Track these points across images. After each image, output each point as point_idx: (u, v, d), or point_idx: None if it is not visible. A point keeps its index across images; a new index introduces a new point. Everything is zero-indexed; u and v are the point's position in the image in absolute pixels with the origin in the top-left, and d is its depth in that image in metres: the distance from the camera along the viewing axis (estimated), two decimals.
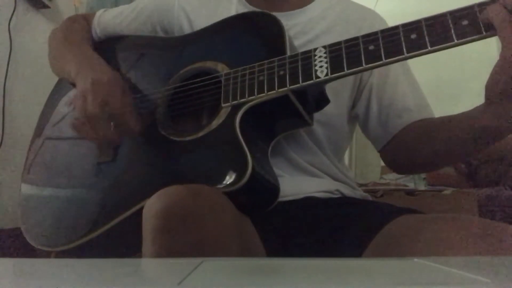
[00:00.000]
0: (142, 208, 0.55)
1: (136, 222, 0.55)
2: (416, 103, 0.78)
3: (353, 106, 0.82)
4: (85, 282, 0.32)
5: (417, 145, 0.74)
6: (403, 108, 0.77)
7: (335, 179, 0.78)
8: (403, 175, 2.20)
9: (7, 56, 1.53)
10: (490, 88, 0.56)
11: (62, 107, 0.90)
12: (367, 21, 0.81)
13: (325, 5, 0.82)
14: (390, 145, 0.78)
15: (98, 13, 0.94)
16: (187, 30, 0.84)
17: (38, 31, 1.69)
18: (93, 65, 0.78)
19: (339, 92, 0.78)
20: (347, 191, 0.77)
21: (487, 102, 0.58)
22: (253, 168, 0.59)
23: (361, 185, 1.59)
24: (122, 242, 0.72)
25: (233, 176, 0.60)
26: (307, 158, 0.76)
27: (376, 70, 0.79)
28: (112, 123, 0.71)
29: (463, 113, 0.65)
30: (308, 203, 0.72)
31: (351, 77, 0.79)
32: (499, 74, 0.53)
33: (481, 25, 0.53)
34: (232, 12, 0.81)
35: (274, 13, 0.73)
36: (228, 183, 0.59)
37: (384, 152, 0.81)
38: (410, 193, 1.54)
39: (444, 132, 0.69)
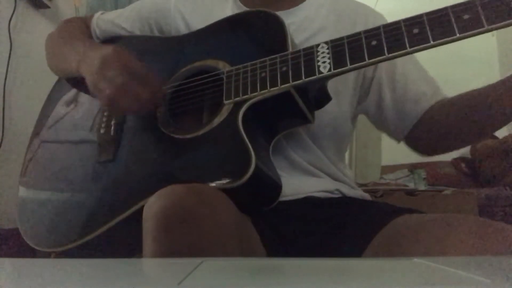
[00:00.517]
0: (142, 207, 0.55)
1: (136, 222, 0.55)
2: (429, 86, 0.78)
3: (359, 103, 0.81)
4: (85, 282, 0.32)
5: (446, 126, 0.75)
6: (419, 94, 0.77)
7: (335, 178, 0.78)
8: (403, 175, 2.20)
9: (7, 56, 1.53)
10: None
11: (59, 110, 0.90)
12: (361, 15, 0.81)
13: (319, 2, 0.82)
14: (414, 132, 0.78)
15: (96, 15, 0.94)
16: (183, 31, 0.84)
17: (38, 31, 1.68)
18: (94, 48, 0.77)
19: (340, 91, 0.78)
20: (347, 191, 0.77)
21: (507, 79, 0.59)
22: (256, 164, 0.59)
23: (361, 185, 1.59)
24: (122, 242, 0.72)
25: (236, 172, 0.59)
26: (306, 157, 0.76)
27: (382, 64, 0.79)
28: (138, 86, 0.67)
29: (483, 87, 0.67)
30: (308, 203, 0.72)
31: (352, 76, 0.79)
32: None
33: (483, 18, 0.54)
34: (228, 13, 0.81)
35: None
36: (230, 179, 0.59)
37: (408, 140, 0.80)
38: (410, 193, 1.54)
39: (475, 106, 0.69)
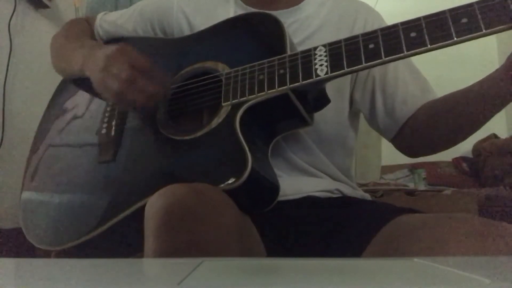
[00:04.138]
0: (142, 207, 0.55)
1: (136, 222, 0.55)
2: (419, 88, 0.79)
3: (352, 101, 0.82)
4: (85, 282, 0.32)
5: (431, 127, 0.75)
6: (407, 94, 0.78)
7: (335, 178, 0.78)
8: (403, 175, 2.20)
9: (7, 56, 1.53)
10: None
11: (65, 113, 0.90)
12: (361, 14, 0.81)
13: (320, 0, 0.82)
14: (401, 132, 0.79)
15: (99, 16, 0.94)
16: (186, 31, 0.84)
17: (38, 31, 1.69)
18: (98, 47, 0.78)
19: (339, 90, 0.78)
20: (347, 191, 0.77)
21: (502, 69, 0.60)
22: (252, 167, 0.59)
23: (361, 185, 1.59)
24: (122, 242, 0.72)
25: (233, 174, 0.60)
26: (306, 158, 0.76)
27: None
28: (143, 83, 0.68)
29: (473, 84, 0.67)
30: (308, 203, 0.72)
31: (349, 76, 0.79)
32: None
33: (481, 23, 0.54)
34: (230, 13, 0.81)
35: (272, 12, 0.73)
36: (227, 181, 0.60)
37: (396, 140, 0.81)
38: (410, 193, 1.54)
39: (457, 106, 0.70)
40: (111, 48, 0.72)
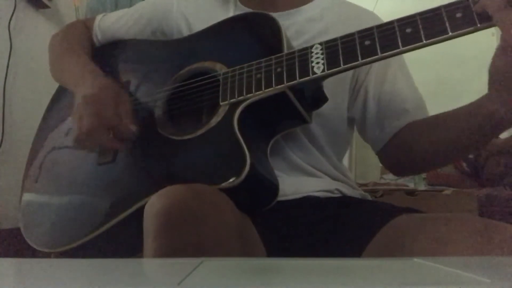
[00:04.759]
0: (141, 208, 0.55)
1: (136, 222, 0.55)
2: (414, 104, 0.78)
3: (348, 108, 0.81)
4: (85, 282, 0.32)
5: (418, 145, 0.74)
6: (401, 109, 0.77)
7: (334, 178, 0.78)
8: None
9: (7, 56, 1.53)
10: (493, 72, 0.56)
11: (65, 116, 0.89)
12: (365, 22, 0.81)
13: (323, 5, 0.82)
14: (388, 146, 0.78)
15: (98, 18, 0.94)
16: (186, 33, 0.84)
17: (38, 31, 1.69)
18: (87, 78, 0.77)
19: (337, 92, 0.78)
20: (347, 191, 0.77)
21: (491, 87, 0.58)
22: (251, 165, 0.60)
23: (361, 185, 1.59)
24: (122, 242, 0.72)
25: (232, 173, 0.60)
26: (305, 158, 0.76)
27: (373, 71, 0.79)
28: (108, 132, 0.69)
29: (466, 105, 0.65)
30: (308, 202, 0.72)
31: (348, 78, 0.79)
32: (500, 57, 0.54)
33: (475, 17, 0.54)
34: (230, 14, 0.81)
35: (271, 13, 0.73)
36: (226, 180, 0.60)
37: (382, 154, 0.80)
38: (410, 193, 1.54)
39: (447, 127, 0.68)
40: (96, 84, 0.72)
